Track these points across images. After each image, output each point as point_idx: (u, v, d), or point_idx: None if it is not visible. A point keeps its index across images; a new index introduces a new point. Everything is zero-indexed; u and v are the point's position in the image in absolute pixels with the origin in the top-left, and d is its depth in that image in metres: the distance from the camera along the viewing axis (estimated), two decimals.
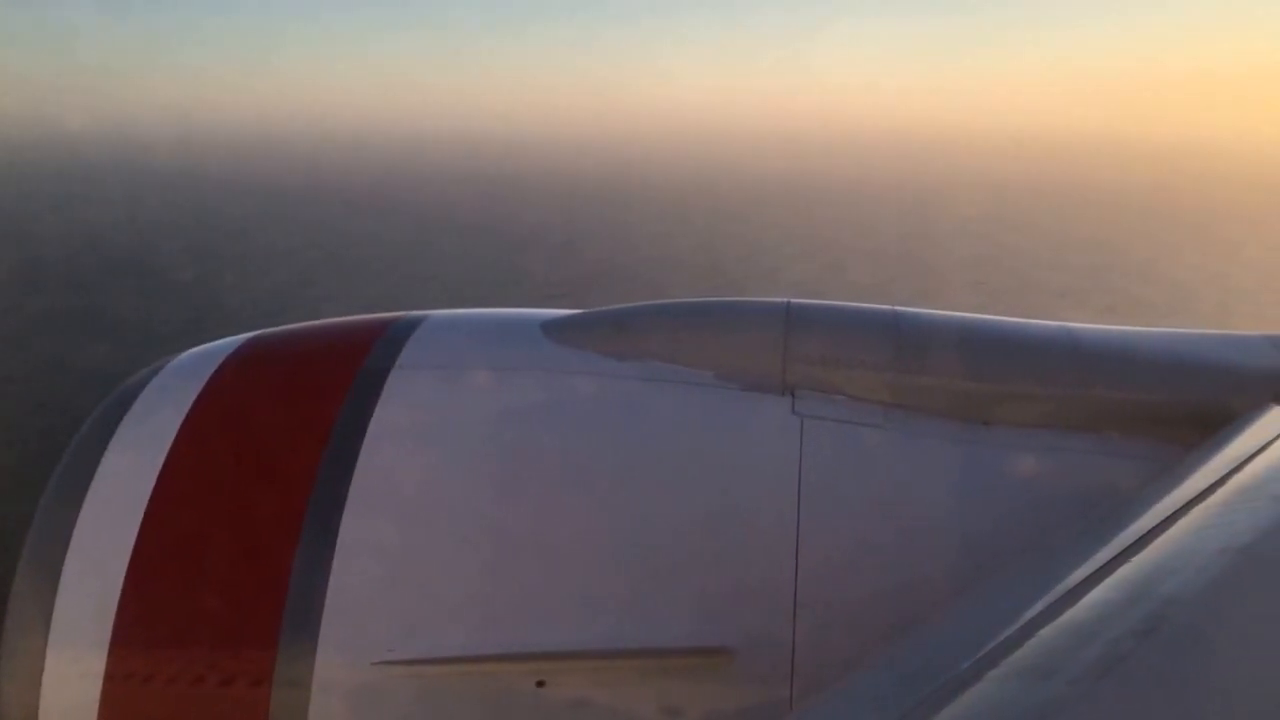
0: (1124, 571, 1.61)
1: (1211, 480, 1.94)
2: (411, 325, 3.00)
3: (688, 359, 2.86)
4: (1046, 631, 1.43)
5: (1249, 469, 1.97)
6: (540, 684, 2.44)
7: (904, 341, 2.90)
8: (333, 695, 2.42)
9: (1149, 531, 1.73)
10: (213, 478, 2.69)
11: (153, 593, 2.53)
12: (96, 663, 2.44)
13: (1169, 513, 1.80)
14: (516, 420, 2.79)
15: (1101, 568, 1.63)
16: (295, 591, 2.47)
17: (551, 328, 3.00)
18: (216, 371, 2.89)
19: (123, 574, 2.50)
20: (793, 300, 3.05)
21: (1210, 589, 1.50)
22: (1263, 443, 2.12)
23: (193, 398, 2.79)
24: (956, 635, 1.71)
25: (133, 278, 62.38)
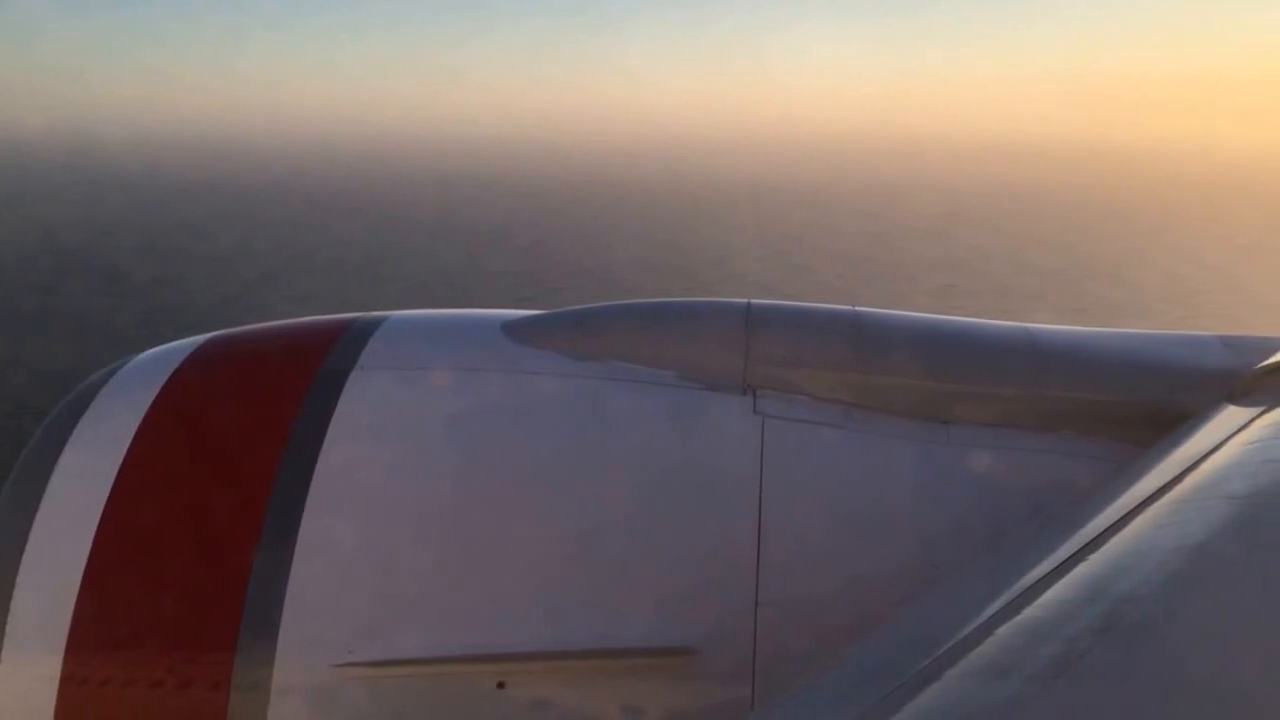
0: (1081, 570, 1.62)
1: (1166, 479, 1.96)
2: (372, 325, 2.98)
3: (649, 359, 2.87)
4: (1005, 630, 1.44)
5: (1202, 468, 2.00)
6: (501, 685, 2.44)
7: (864, 342, 2.93)
8: (292, 698, 2.40)
9: (1105, 530, 1.75)
10: (171, 479, 2.67)
11: (110, 596, 2.50)
12: (52, 667, 2.40)
13: (1125, 511, 1.82)
14: (478, 420, 2.78)
15: (1059, 566, 1.64)
16: (254, 594, 2.44)
17: (513, 328, 3.00)
18: (175, 372, 2.85)
19: (79, 576, 2.47)
20: (754, 301, 3.07)
21: (1165, 587, 1.51)
22: (1215, 442, 2.14)
23: (151, 398, 2.75)
24: (916, 633, 1.73)
25: (90, 278, 61.61)
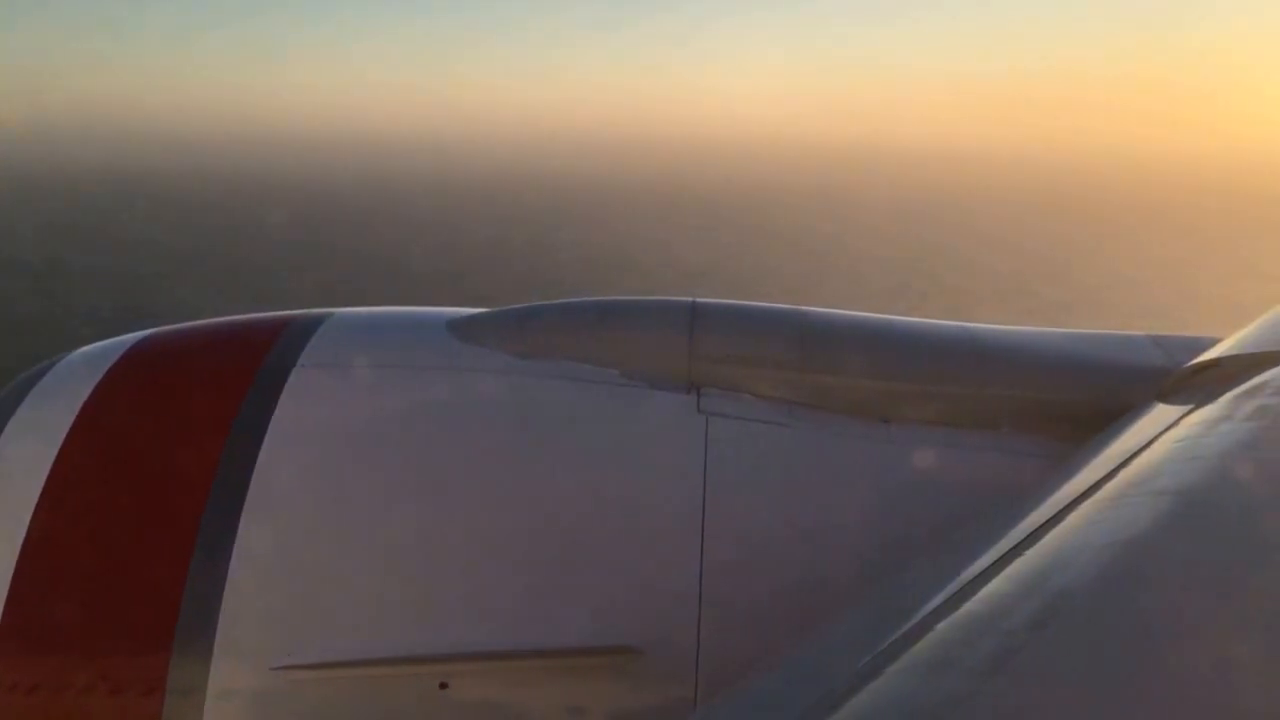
0: (1017, 566, 1.64)
1: (1098, 476, 2.00)
2: (314, 323, 2.94)
3: (594, 357, 2.86)
4: (945, 626, 1.45)
5: (1133, 465, 2.04)
6: (444, 686, 2.42)
7: (808, 340, 2.95)
8: (229, 702, 2.36)
9: (1040, 527, 1.78)
10: (104, 479, 2.61)
11: (40, 598, 2.43)
12: None
13: (1059, 508, 1.85)
14: (420, 419, 2.75)
15: (996, 562, 1.67)
16: (190, 595, 2.40)
17: (457, 326, 2.97)
18: (111, 369, 2.79)
19: (9, 578, 2.41)
20: (698, 299, 3.08)
21: (1098, 582, 1.54)
22: (1146, 440, 2.19)
23: (84, 397, 2.69)
24: (858, 631, 1.74)
25: (25, 274, 60.33)
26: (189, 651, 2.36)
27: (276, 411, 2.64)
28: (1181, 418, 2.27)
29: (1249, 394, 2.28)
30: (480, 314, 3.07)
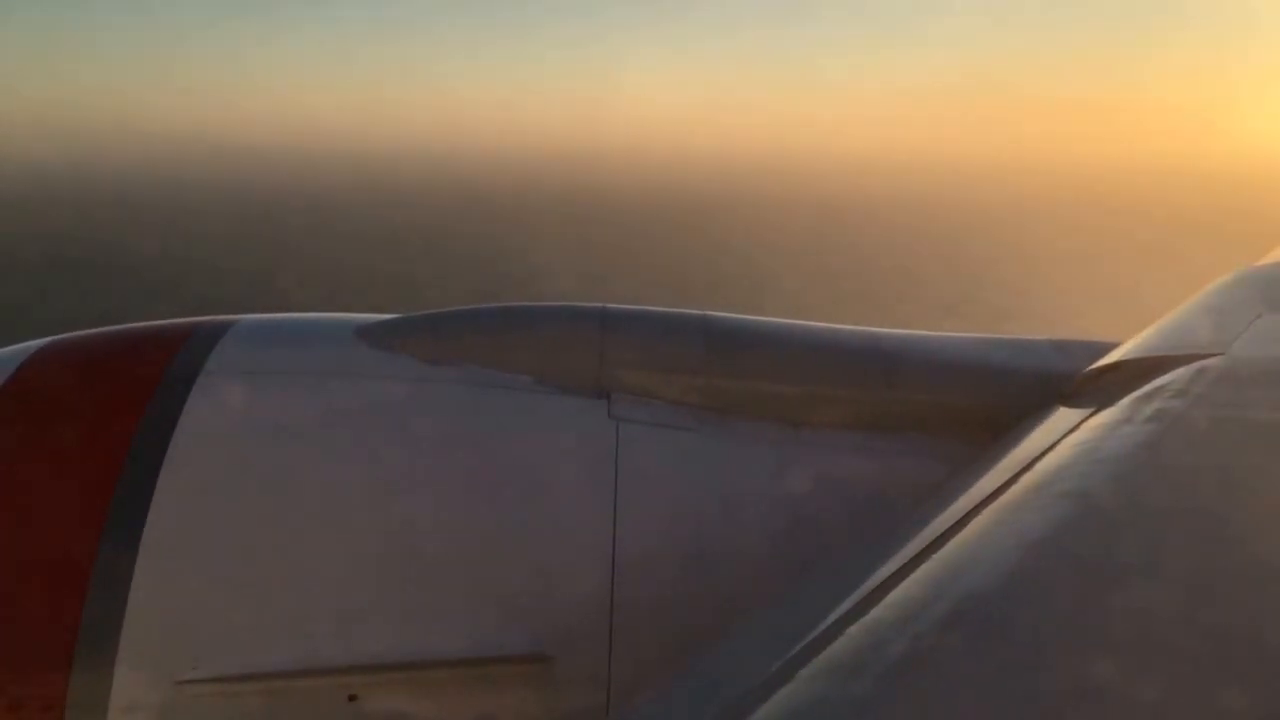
0: (925, 569, 1.65)
1: (1004, 479, 2.02)
2: (219, 329, 2.86)
3: (504, 363, 2.84)
4: (855, 629, 1.47)
5: (1036, 468, 2.07)
6: (352, 698, 2.37)
7: (717, 345, 2.96)
8: (132, 718, 2.29)
9: (948, 529, 1.80)
10: (1, 487, 2.51)
11: None
12: None
13: (965, 511, 1.88)
14: (329, 426, 2.70)
15: (904, 566, 1.68)
16: (91, 608, 2.32)
17: (366, 332, 2.92)
18: (9, 378, 2.69)
19: None
20: (608, 305, 3.08)
21: (1005, 584, 1.56)
22: (1048, 443, 2.23)
23: None
24: (770, 636, 1.75)
25: None
26: (90, 666, 2.29)
27: (181, 419, 2.56)
28: (1083, 421, 2.32)
29: (1148, 397, 2.34)
30: (389, 319, 3.02)
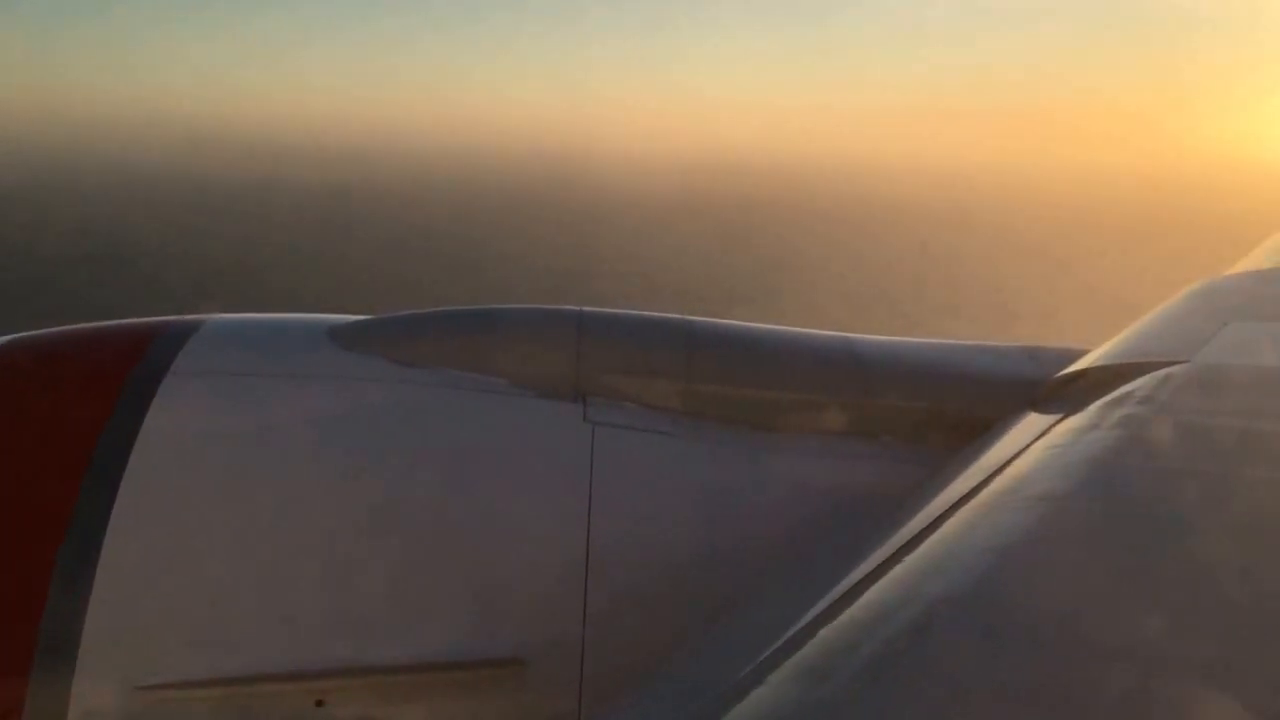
0: (897, 572, 1.67)
1: (975, 483, 2.05)
2: (188, 329, 2.81)
3: (478, 365, 2.82)
4: (827, 632, 1.48)
5: (1008, 472, 2.10)
6: (319, 703, 2.35)
7: (693, 350, 2.97)
8: None
9: (920, 533, 1.82)
10: None
11: None
12: None
13: (937, 515, 1.90)
14: (298, 429, 2.67)
15: (876, 569, 1.70)
16: (51, 612, 2.28)
17: (339, 333, 2.89)
18: None
19: None
20: (585, 308, 3.07)
21: (977, 587, 1.58)
22: (1020, 447, 2.26)
23: None
24: (742, 639, 1.76)
25: None
26: (49, 671, 2.25)
27: (146, 421, 2.52)
28: (1053, 426, 2.35)
29: (1116, 403, 2.37)
30: (362, 321, 2.99)
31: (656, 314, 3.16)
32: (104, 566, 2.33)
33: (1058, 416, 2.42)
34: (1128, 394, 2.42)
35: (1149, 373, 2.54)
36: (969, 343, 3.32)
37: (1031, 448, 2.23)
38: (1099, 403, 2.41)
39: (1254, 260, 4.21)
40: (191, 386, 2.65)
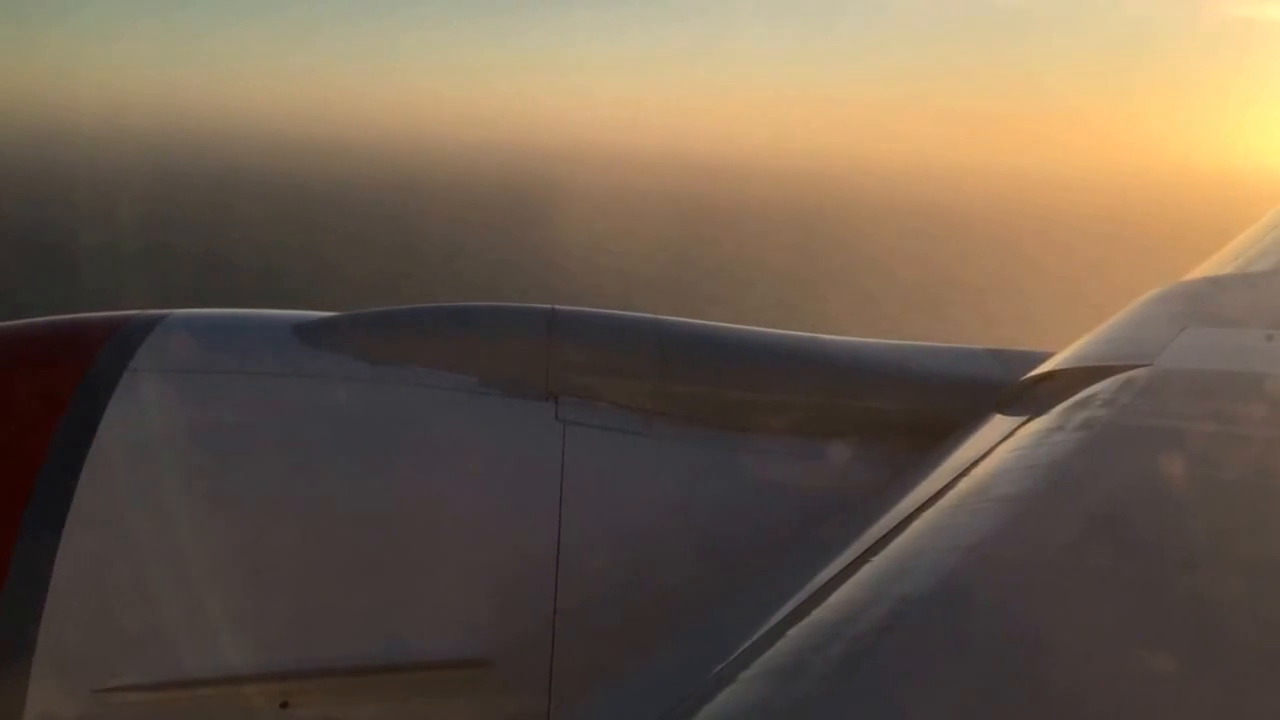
0: (865, 572, 1.68)
1: (941, 484, 2.08)
2: (149, 324, 2.77)
3: (449, 363, 2.80)
4: (795, 632, 1.49)
5: (973, 474, 2.13)
6: (284, 705, 2.33)
7: (666, 350, 2.97)
8: None
9: (887, 534, 1.84)
10: None
11: None
12: None
13: (904, 516, 1.92)
14: (262, 427, 2.64)
15: (845, 569, 1.71)
16: (6, 614, 2.25)
17: (305, 330, 2.85)
18: None
19: None
20: (557, 307, 3.05)
21: (942, 587, 1.60)
22: (984, 449, 2.29)
23: None
24: (712, 639, 1.77)
25: None
26: (4, 675, 2.22)
27: (104, 417, 2.48)
28: (1017, 428, 2.38)
29: (1079, 406, 2.40)
30: (329, 317, 2.95)
31: (629, 313, 3.16)
32: (61, 566, 2.29)
33: (1023, 419, 2.45)
34: (1090, 397, 2.45)
35: (1111, 376, 2.56)
36: (937, 345, 3.34)
37: (996, 450, 2.25)
38: (1062, 405, 2.43)
39: (1213, 265, 4.26)
40: (151, 382, 2.61)
